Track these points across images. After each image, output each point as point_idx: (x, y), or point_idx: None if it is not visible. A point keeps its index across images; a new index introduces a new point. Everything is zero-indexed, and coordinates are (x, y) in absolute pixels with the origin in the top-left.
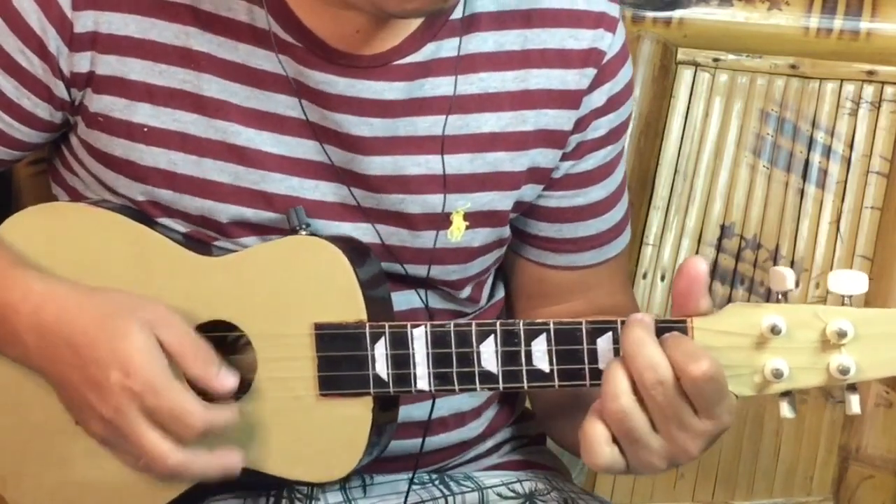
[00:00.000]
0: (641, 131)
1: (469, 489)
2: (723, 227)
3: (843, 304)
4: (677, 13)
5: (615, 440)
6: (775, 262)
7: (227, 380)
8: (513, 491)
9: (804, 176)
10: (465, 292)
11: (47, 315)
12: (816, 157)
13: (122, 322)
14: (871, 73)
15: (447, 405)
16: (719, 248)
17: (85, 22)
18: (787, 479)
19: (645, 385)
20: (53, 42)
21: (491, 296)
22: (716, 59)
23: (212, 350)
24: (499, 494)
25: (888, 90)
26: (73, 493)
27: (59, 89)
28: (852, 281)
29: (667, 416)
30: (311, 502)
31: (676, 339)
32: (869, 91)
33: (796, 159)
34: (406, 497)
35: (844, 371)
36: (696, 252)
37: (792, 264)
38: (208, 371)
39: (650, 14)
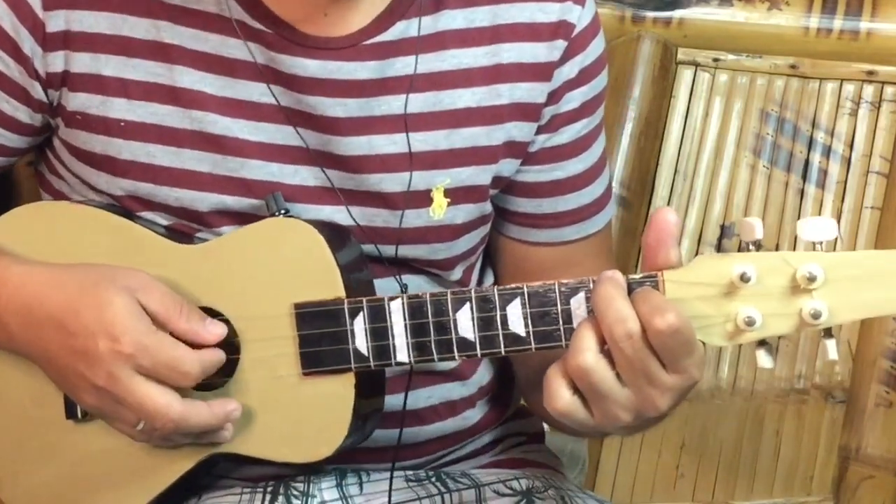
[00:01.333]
0: (641, 131)
1: (466, 486)
2: (723, 227)
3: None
4: (677, 13)
5: (577, 391)
6: None
7: (214, 328)
8: (510, 488)
9: (804, 176)
10: (456, 274)
11: (27, 294)
12: (816, 157)
13: (103, 290)
14: (871, 73)
15: (437, 394)
16: (719, 248)
17: (57, 21)
18: (787, 479)
19: (614, 339)
20: (27, 43)
21: (480, 280)
22: (716, 59)
23: (194, 306)
24: (496, 492)
25: (888, 90)
26: (68, 486)
27: (37, 90)
28: (821, 227)
29: (635, 370)
30: (307, 499)
31: (645, 293)
32: (869, 91)
33: (796, 159)
34: (390, 486)
35: (816, 315)
36: (696, 252)
37: None
38: (194, 324)
39: (650, 14)
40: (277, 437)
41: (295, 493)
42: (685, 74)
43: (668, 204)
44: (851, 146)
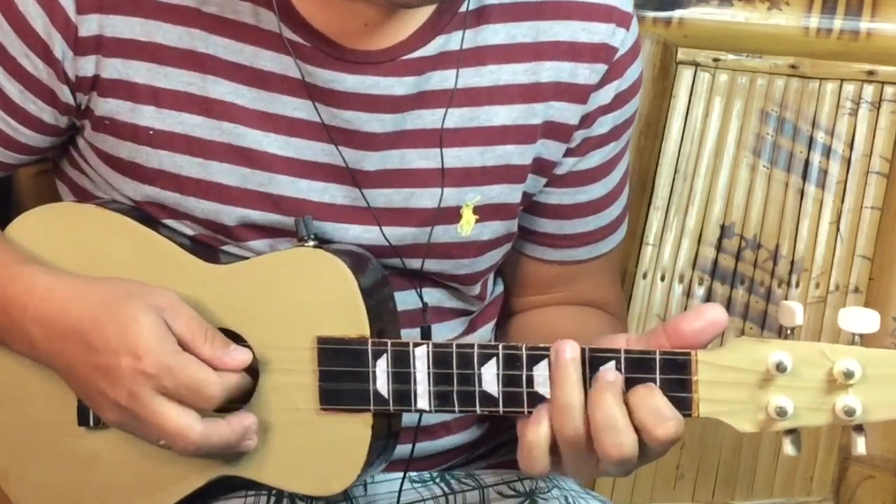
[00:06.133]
0: (641, 131)
1: (470, 487)
2: (723, 227)
3: (852, 343)
4: (677, 13)
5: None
6: (775, 263)
7: (239, 354)
8: (513, 489)
9: (804, 176)
10: (476, 289)
11: (54, 306)
12: (816, 157)
13: (129, 307)
14: (871, 73)
15: None
16: (719, 248)
17: (90, 26)
18: (787, 479)
19: (603, 446)
20: (59, 46)
21: (493, 291)
22: (716, 59)
23: (219, 332)
24: (500, 493)
25: (888, 90)
26: (75, 491)
27: (64, 94)
28: (863, 319)
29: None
30: (313, 501)
31: (648, 394)
32: (869, 91)
33: (796, 159)
34: (398, 498)
35: (850, 412)
36: (696, 252)
37: (792, 264)
38: (218, 351)
39: (650, 14)
40: (290, 467)
41: (300, 494)
42: (685, 74)
43: (669, 204)
44: (851, 146)
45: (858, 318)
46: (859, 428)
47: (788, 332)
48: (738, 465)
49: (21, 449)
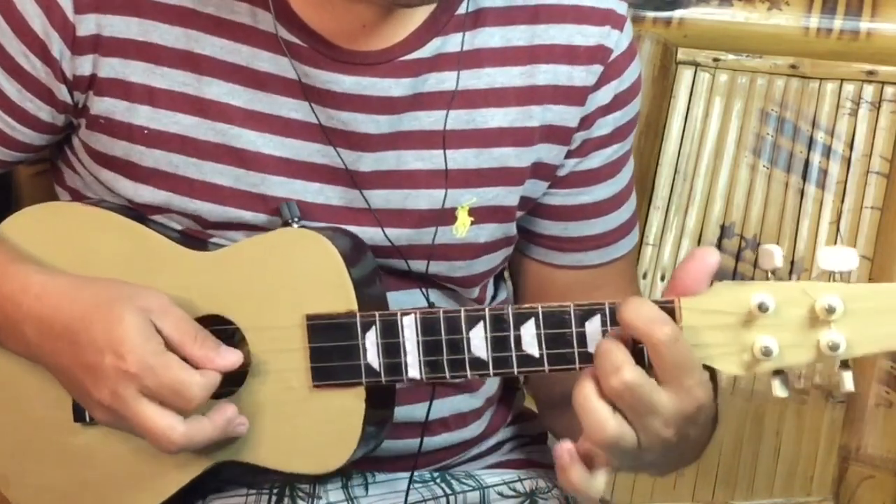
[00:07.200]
0: (641, 131)
1: (470, 488)
2: (723, 227)
3: (832, 281)
4: (677, 13)
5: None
6: None
7: (229, 355)
8: (514, 490)
9: (804, 176)
10: (474, 293)
11: (46, 304)
12: (816, 157)
13: (117, 308)
14: (871, 73)
15: (448, 406)
16: (719, 248)
17: (87, 25)
18: (787, 479)
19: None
20: (56, 46)
21: (494, 297)
22: (716, 59)
23: (209, 333)
24: (500, 493)
25: (888, 90)
26: (74, 489)
27: (62, 93)
28: (842, 257)
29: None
30: (314, 500)
31: (636, 305)
32: (869, 91)
33: (796, 159)
34: (406, 497)
35: (834, 347)
36: None
37: (792, 264)
38: (209, 351)
39: (650, 14)
40: (287, 448)
41: (301, 494)
42: (685, 74)
43: (669, 204)
44: (851, 146)
45: (837, 256)
46: (845, 364)
47: (769, 274)
48: (738, 465)
49: (20, 449)
